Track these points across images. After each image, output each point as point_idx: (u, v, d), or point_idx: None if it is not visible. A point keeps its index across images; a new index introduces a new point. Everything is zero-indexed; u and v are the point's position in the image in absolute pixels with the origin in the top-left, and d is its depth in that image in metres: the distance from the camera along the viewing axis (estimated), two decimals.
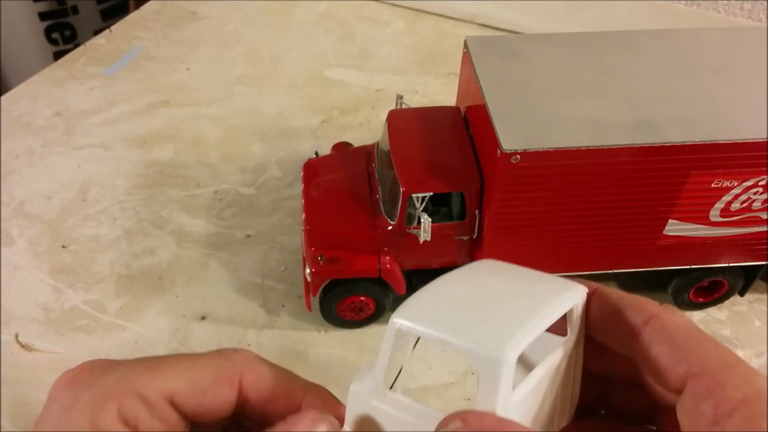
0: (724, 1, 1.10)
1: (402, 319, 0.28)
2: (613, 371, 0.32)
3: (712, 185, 0.65)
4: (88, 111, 1.06)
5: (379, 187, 0.73)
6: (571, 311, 0.30)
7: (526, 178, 0.62)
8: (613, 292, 0.30)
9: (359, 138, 0.91)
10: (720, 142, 0.61)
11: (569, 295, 0.29)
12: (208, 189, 0.94)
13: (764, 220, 0.69)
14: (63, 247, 0.85)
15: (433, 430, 0.26)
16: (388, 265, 0.71)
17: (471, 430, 0.25)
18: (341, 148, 0.83)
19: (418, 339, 0.29)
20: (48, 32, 1.51)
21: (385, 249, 0.71)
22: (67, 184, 0.94)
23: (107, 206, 0.91)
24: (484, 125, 0.65)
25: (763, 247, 0.72)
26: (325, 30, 1.26)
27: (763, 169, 0.63)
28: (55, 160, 0.97)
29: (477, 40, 0.73)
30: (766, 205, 0.67)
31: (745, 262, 0.73)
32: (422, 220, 0.66)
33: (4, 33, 1.50)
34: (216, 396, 0.30)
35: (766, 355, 0.76)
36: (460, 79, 0.77)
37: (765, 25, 1.09)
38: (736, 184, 0.65)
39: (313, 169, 0.78)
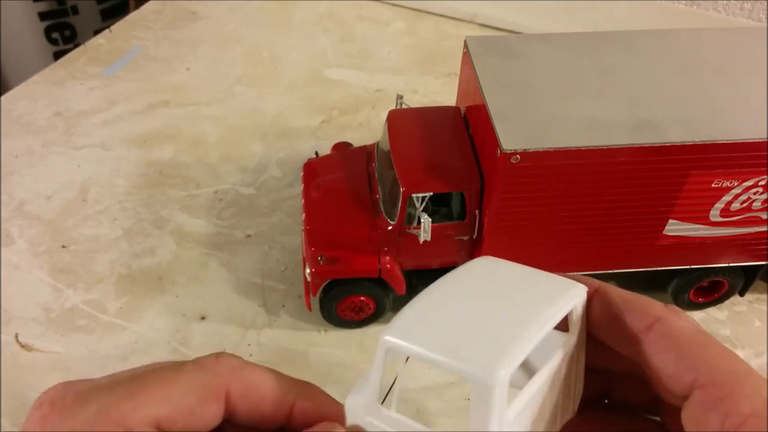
0: (724, 1, 1.10)
1: (393, 337, 0.27)
2: (615, 366, 0.31)
3: (712, 185, 0.65)
4: (88, 111, 1.06)
5: (379, 187, 0.73)
6: (570, 312, 0.29)
7: (526, 178, 0.62)
8: (616, 291, 0.29)
9: (359, 138, 0.91)
10: (720, 142, 0.61)
11: (568, 297, 0.29)
12: (208, 189, 0.94)
13: (764, 220, 0.69)
14: (63, 247, 0.85)
15: None
16: (388, 265, 0.71)
17: None
18: (341, 148, 0.83)
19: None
20: (48, 32, 1.51)
21: (385, 249, 0.71)
22: (67, 184, 0.94)
23: (107, 206, 0.91)
24: (484, 125, 0.65)
25: (763, 247, 0.72)
26: (325, 30, 1.26)
27: (763, 169, 0.63)
28: (55, 160, 0.97)
29: (477, 40, 0.73)
30: (766, 205, 0.67)
31: (745, 262, 0.73)
32: (422, 220, 0.66)
33: (4, 33, 1.50)
34: (204, 415, 0.29)
35: (766, 355, 0.76)
36: (460, 79, 0.77)
37: (765, 25, 1.09)
38: (736, 184, 0.65)
39: (313, 169, 0.78)
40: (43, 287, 0.81)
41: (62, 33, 1.53)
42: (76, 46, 1.20)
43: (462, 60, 0.75)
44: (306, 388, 0.31)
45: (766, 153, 0.62)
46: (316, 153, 0.85)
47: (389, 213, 0.70)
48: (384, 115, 0.77)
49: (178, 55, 1.18)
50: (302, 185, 0.77)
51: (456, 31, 1.25)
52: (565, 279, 0.30)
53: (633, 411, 0.32)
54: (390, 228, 0.70)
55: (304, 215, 0.74)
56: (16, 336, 0.75)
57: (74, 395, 0.27)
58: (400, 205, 0.68)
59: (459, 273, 0.32)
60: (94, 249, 0.85)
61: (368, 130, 1.03)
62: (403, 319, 0.29)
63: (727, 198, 0.66)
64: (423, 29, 1.27)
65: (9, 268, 0.83)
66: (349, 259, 0.71)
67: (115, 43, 1.21)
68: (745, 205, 0.67)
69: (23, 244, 0.86)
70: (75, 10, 1.51)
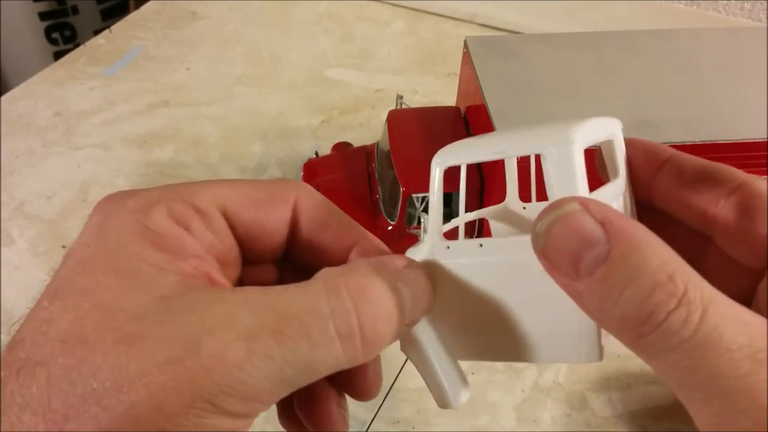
0: (724, 1, 1.10)
1: (442, 158, 0.27)
2: None
3: None
4: (88, 111, 1.06)
5: (379, 187, 0.73)
6: (612, 146, 0.28)
7: (526, 178, 0.62)
8: (691, 157, 0.28)
9: (359, 138, 0.91)
10: (720, 142, 0.61)
11: (604, 120, 0.28)
12: None
13: None
14: (63, 247, 0.85)
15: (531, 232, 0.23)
16: None
17: (592, 213, 0.21)
18: (341, 148, 0.83)
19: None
20: (48, 32, 1.51)
21: None
22: (67, 184, 0.94)
23: None
24: (484, 125, 0.65)
25: None
26: (325, 30, 1.26)
27: (763, 169, 0.63)
28: (55, 160, 0.97)
29: (477, 40, 0.73)
30: None
31: None
32: (422, 220, 0.66)
33: (4, 33, 1.50)
34: (271, 212, 0.28)
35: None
36: (460, 79, 0.77)
37: (765, 25, 1.09)
38: None
39: (313, 169, 0.78)
40: (43, 287, 0.80)
41: (62, 33, 1.53)
42: (76, 46, 1.20)
43: (462, 60, 0.75)
44: (368, 233, 0.30)
45: (766, 153, 0.62)
46: (316, 153, 0.85)
47: (389, 213, 0.70)
48: (384, 115, 0.78)
49: (178, 55, 1.18)
50: None
51: (456, 31, 1.25)
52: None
53: None
54: (390, 228, 0.70)
55: None
56: None
57: (132, 190, 0.27)
58: (400, 205, 0.68)
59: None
60: None
61: (368, 130, 1.03)
62: (445, 149, 0.28)
63: None
64: (423, 29, 1.27)
65: (9, 268, 0.83)
66: None
67: (115, 43, 1.21)
68: None
69: (23, 244, 0.86)
70: (75, 10, 1.51)
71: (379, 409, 0.64)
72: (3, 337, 0.76)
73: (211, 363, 0.21)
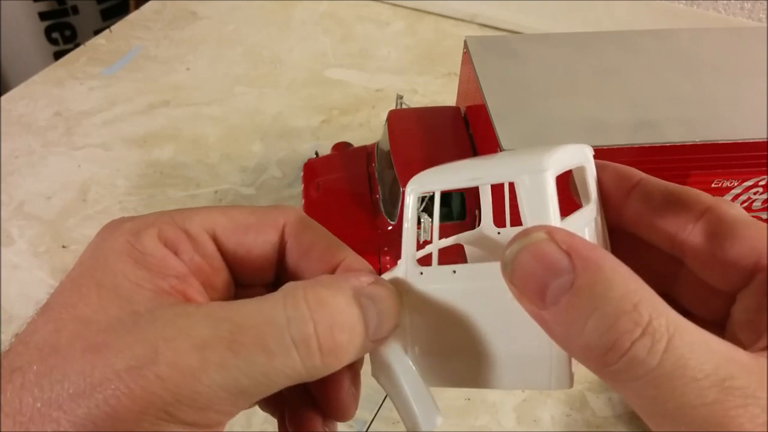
0: (724, 1, 1.10)
1: (416, 183, 0.27)
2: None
3: (712, 185, 0.65)
4: (88, 111, 1.06)
5: (379, 187, 0.73)
6: (584, 171, 0.28)
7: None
8: (659, 181, 0.28)
9: (359, 138, 0.91)
10: (720, 142, 0.61)
11: (576, 147, 0.27)
12: (208, 189, 0.94)
13: (764, 220, 0.69)
14: (63, 247, 0.85)
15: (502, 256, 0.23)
16: (388, 265, 0.71)
17: (558, 242, 0.21)
18: (341, 148, 0.83)
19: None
20: (48, 32, 1.51)
21: (385, 249, 0.71)
22: (67, 184, 0.94)
23: (107, 206, 0.91)
24: (484, 125, 0.65)
25: None
26: (325, 30, 1.26)
27: (763, 169, 0.63)
28: (55, 160, 0.97)
29: (477, 40, 0.73)
30: (766, 205, 0.67)
31: None
32: (422, 220, 0.66)
33: (4, 33, 1.50)
34: (258, 236, 0.29)
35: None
36: (460, 79, 0.77)
37: (765, 25, 1.09)
38: (736, 184, 0.65)
39: (313, 169, 0.78)
40: (43, 287, 0.81)
41: (62, 33, 1.53)
42: (76, 46, 1.21)
43: (462, 60, 0.75)
44: (356, 255, 0.31)
45: (766, 153, 0.62)
46: (316, 153, 0.85)
47: (389, 213, 0.70)
48: (384, 115, 0.78)
49: (178, 55, 1.18)
50: (302, 185, 0.77)
51: (456, 31, 1.25)
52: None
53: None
54: (390, 228, 0.70)
55: None
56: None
57: (133, 216, 0.28)
58: (400, 205, 0.68)
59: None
60: None
61: (368, 130, 1.03)
62: (417, 176, 0.28)
63: (727, 198, 0.66)
64: (423, 29, 1.27)
65: (9, 268, 0.83)
66: None
67: (115, 43, 1.21)
68: (745, 205, 0.67)
69: (23, 244, 0.86)
70: (75, 10, 1.51)
71: (379, 409, 0.64)
72: (3, 337, 0.76)
73: (166, 372, 0.22)
